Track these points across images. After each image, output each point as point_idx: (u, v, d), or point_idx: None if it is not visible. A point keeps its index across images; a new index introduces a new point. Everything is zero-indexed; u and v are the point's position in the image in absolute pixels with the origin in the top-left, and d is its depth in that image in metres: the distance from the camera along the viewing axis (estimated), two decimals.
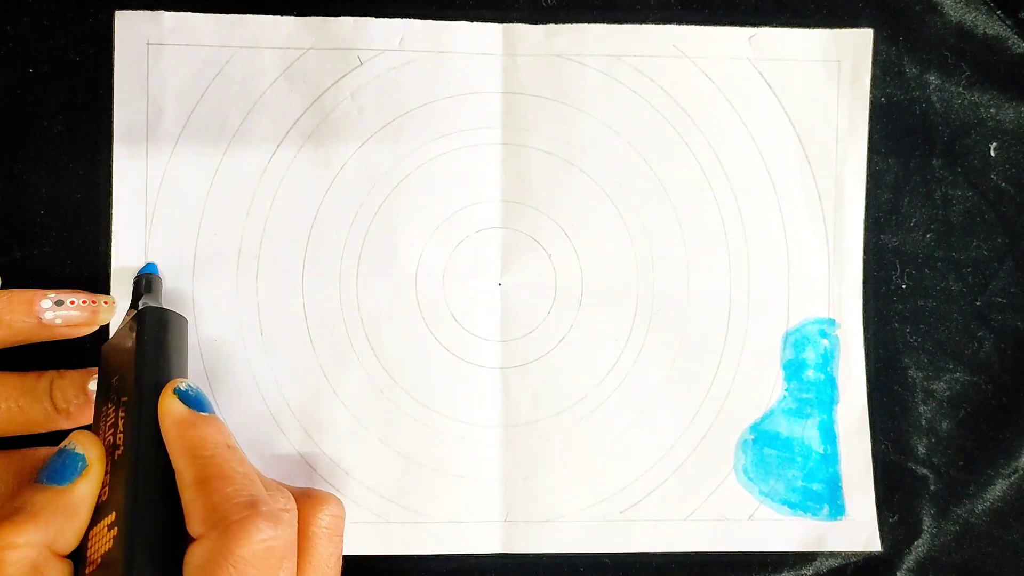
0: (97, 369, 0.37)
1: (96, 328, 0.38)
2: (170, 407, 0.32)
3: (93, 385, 0.37)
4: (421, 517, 0.41)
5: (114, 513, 0.30)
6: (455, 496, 0.41)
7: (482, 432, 0.41)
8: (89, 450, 0.32)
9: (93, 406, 0.36)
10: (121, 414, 0.33)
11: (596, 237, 0.41)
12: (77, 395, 0.37)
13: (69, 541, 0.30)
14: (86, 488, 0.31)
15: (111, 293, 0.40)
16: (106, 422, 0.33)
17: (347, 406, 0.41)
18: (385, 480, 0.41)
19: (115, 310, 0.39)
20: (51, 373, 0.37)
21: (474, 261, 0.41)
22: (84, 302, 0.37)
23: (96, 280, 0.40)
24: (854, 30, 0.42)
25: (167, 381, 0.33)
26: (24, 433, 0.37)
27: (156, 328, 0.35)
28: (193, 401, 0.32)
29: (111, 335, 0.37)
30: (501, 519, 0.41)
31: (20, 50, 0.40)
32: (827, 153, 0.42)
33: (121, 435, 0.32)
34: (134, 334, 0.35)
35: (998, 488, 0.42)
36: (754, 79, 0.42)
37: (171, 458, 0.31)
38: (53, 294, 0.37)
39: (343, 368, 0.41)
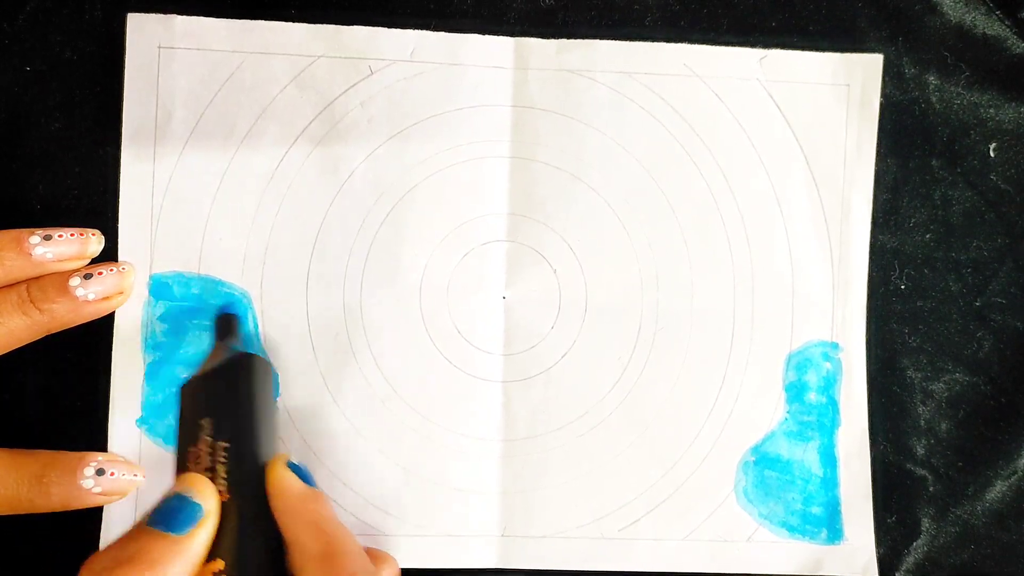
0: (89, 454, 0.38)
1: (87, 261, 0.38)
2: (288, 479, 0.33)
3: (89, 471, 0.37)
4: (419, 530, 0.41)
5: (222, 562, 0.31)
6: (453, 509, 0.41)
7: (482, 445, 0.41)
8: (207, 499, 0.32)
9: (78, 493, 0.36)
10: (220, 458, 0.33)
11: (601, 253, 0.41)
12: (69, 480, 0.37)
13: None
14: (203, 537, 0.31)
15: None
16: (197, 464, 0.33)
17: (347, 415, 0.41)
18: (383, 492, 0.41)
19: (103, 242, 0.39)
20: (44, 455, 0.37)
21: (479, 273, 0.41)
22: (72, 235, 0.37)
23: None
24: (864, 55, 0.42)
25: (271, 434, 0.35)
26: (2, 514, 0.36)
27: (262, 379, 0.36)
28: (304, 476, 0.33)
29: (199, 370, 0.37)
30: (499, 534, 0.41)
31: (17, 48, 0.40)
32: (834, 177, 0.42)
33: (224, 481, 0.33)
34: (235, 379, 0.35)
35: (997, 489, 0.42)
36: (763, 100, 0.42)
37: (286, 526, 0.32)
38: (40, 230, 0.37)
39: (344, 377, 0.41)
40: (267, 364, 0.37)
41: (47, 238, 0.37)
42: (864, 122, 0.42)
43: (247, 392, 0.35)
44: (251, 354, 0.36)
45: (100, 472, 0.37)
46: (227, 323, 0.39)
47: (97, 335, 0.40)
